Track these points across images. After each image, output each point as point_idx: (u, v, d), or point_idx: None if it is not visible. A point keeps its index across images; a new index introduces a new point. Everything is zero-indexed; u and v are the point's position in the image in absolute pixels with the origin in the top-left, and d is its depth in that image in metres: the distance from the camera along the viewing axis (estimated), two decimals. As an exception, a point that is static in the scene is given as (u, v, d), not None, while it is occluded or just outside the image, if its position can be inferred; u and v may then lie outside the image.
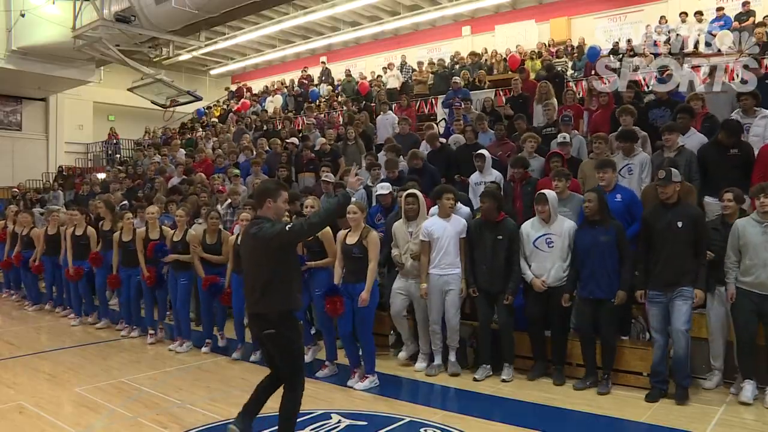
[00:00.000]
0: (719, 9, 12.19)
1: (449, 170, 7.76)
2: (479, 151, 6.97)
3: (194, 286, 6.75)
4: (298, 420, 3.60)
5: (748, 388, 4.51)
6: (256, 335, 3.69)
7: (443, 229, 5.40)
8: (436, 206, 5.66)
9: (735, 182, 5.18)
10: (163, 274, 6.82)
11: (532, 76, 11.44)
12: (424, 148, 8.38)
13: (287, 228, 3.42)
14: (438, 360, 5.55)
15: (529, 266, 5.23)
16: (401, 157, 7.96)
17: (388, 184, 6.71)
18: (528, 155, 6.92)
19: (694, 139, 6.18)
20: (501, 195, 5.70)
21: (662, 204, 4.75)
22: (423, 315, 5.54)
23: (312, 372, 5.42)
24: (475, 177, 6.95)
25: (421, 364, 5.62)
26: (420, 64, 14.98)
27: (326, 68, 18.65)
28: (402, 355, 5.69)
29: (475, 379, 5.27)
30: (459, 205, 6.17)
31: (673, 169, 4.75)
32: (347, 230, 5.30)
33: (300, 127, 12.25)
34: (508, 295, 5.20)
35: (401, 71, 15.47)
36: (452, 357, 5.48)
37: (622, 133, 6.19)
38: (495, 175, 6.83)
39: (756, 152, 5.73)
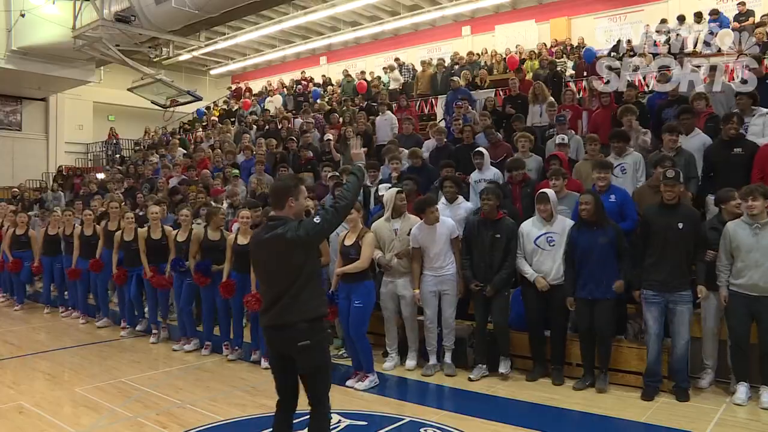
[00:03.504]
0: (713, 13, 12.12)
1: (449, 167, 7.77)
2: (478, 149, 7.00)
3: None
4: (298, 420, 3.54)
5: (742, 390, 4.53)
6: (281, 352, 3.16)
7: (431, 235, 5.38)
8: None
9: (739, 181, 5.18)
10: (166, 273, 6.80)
11: (530, 76, 11.44)
12: (426, 148, 8.42)
13: (317, 221, 3.09)
14: (433, 359, 5.55)
15: (530, 265, 5.23)
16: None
17: (389, 184, 6.74)
18: (522, 155, 6.95)
19: (698, 140, 6.18)
20: (501, 193, 5.71)
21: (663, 204, 4.76)
22: (411, 313, 5.55)
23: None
24: (474, 175, 6.97)
25: (411, 362, 5.61)
26: (424, 63, 14.93)
27: (328, 78, 18.58)
28: (387, 365, 5.63)
29: (470, 379, 5.27)
30: (461, 198, 6.21)
31: (678, 170, 4.80)
32: (346, 232, 5.31)
33: (302, 126, 12.20)
34: (487, 285, 5.16)
35: (400, 72, 15.39)
36: (448, 359, 5.48)
37: (615, 133, 6.25)
38: (493, 172, 6.86)
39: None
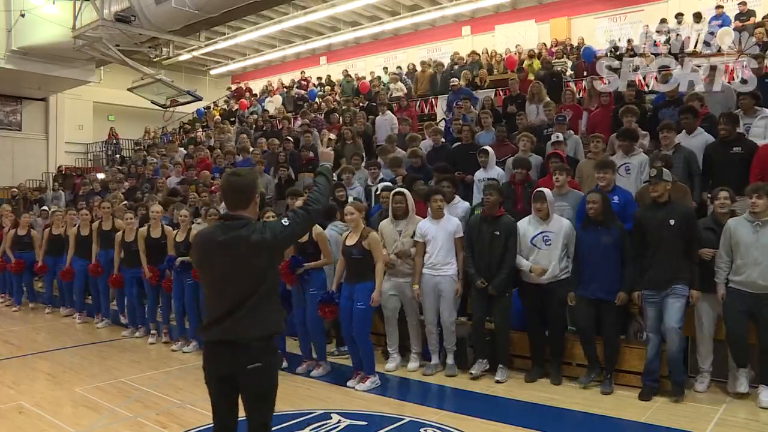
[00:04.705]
0: (718, 7, 12.18)
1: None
2: (483, 148, 6.99)
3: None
4: (297, 420, 3.49)
5: (742, 380, 4.54)
6: (226, 373, 2.76)
7: (436, 230, 5.39)
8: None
9: (738, 180, 5.19)
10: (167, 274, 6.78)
11: (531, 75, 11.44)
12: (423, 148, 8.42)
13: (285, 224, 2.76)
14: (435, 359, 5.55)
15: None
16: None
17: (391, 183, 6.75)
18: (523, 153, 6.95)
19: (700, 139, 6.15)
20: (504, 190, 5.71)
21: (654, 203, 4.77)
22: (414, 314, 5.54)
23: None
24: (479, 174, 6.96)
25: (413, 364, 5.60)
26: (423, 63, 14.87)
27: (328, 77, 18.55)
28: (389, 366, 5.62)
29: (471, 374, 5.26)
30: (458, 198, 6.20)
31: (664, 168, 4.79)
32: (347, 231, 5.30)
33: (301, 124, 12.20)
34: (485, 281, 5.14)
35: (401, 80, 15.22)
36: (450, 360, 5.47)
37: (623, 132, 6.19)
38: (497, 171, 6.86)
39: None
